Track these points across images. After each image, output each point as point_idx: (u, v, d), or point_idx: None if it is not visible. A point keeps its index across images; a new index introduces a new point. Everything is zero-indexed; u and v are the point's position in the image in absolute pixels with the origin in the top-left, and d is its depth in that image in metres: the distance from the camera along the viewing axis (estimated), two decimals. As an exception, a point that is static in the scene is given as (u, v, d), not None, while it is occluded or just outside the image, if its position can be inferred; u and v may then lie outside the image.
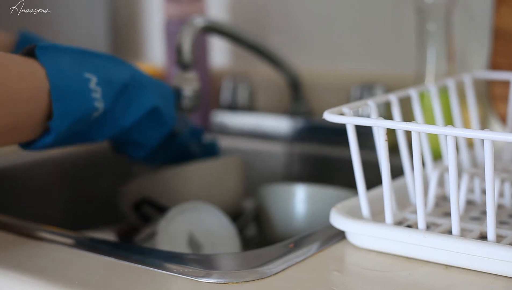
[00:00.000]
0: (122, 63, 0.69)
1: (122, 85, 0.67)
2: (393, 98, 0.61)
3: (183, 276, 0.51)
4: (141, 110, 0.69)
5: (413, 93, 0.63)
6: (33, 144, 0.62)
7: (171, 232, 0.69)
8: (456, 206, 0.51)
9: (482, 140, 0.52)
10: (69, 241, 0.60)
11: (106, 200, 0.97)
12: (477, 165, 0.72)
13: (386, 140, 0.53)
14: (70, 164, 0.97)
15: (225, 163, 0.81)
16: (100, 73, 0.65)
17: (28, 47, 0.62)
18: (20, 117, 0.58)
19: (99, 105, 0.64)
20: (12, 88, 0.57)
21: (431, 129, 0.50)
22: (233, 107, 1.10)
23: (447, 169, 0.59)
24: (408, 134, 0.56)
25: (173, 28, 1.06)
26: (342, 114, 0.55)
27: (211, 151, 0.85)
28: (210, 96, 1.12)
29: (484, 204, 0.62)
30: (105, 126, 0.67)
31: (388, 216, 0.55)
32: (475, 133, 0.48)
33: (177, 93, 0.84)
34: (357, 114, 0.56)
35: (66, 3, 1.15)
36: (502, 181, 0.61)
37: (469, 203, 0.64)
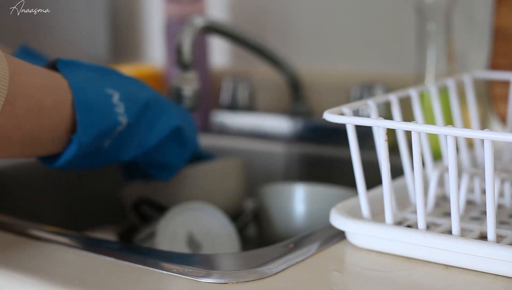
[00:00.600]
0: (142, 83, 0.70)
1: (145, 102, 0.67)
2: (393, 98, 0.61)
3: (183, 276, 0.51)
4: (165, 129, 0.69)
5: (413, 93, 0.63)
6: (57, 159, 0.61)
7: (170, 232, 0.69)
8: (456, 206, 0.51)
9: (482, 140, 0.52)
10: (69, 241, 0.60)
11: (106, 200, 0.97)
12: (477, 165, 0.72)
13: (386, 140, 0.53)
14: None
15: (226, 165, 0.81)
16: (121, 90, 0.65)
17: (49, 62, 0.62)
18: (43, 127, 0.57)
19: (123, 120, 0.64)
20: (34, 95, 0.56)
21: (431, 129, 0.50)
22: (233, 107, 1.10)
23: (447, 169, 0.59)
24: (408, 134, 0.56)
25: (173, 28, 1.07)
26: (342, 114, 0.55)
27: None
28: (210, 96, 1.12)
29: (484, 204, 0.62)
30: (130, 144, 0.67)
31: (388, 216, 0.55)
32: (475, 133, 0.48)
33: (177, 93, 0.84)
34: (357, 114, 0.56)
35: (66, 3, 1.15)
36: (502, 181, 0.61)
37: (469, 203, 0.64)
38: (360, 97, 0.96)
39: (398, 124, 0.51)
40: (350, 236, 0.56)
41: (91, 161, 0.66)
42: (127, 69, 1.15)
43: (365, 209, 0.56)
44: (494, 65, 0.84)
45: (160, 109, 0.69)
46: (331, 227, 0.58)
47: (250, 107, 1.10)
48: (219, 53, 1.17)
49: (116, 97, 0.64)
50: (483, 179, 0.62)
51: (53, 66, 0.61)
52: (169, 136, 0.70)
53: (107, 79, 0.65)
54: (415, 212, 0.58)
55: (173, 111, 0.71)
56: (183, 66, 0.84)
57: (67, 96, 0.59)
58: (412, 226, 0.57)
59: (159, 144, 0.70)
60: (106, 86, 0.64)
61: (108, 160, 0.67)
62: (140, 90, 0.68)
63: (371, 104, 0.57)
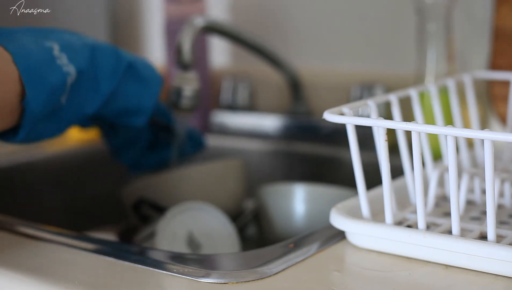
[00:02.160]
0: (81, 34, 0.69)
1: (89, 49, 0.66)
2: (393, 98, 0.61)
3: (183, 276, 0.51)
4: (118, 70, 0.68)
5: (413, 93, 0.63)
6: (17, 132, 0.60)
7: (170, 232, 0.69)
8: (456, 206, 0.51)
9: (482, 140, 0.52)
10: (69, 241, 0.60)
11: (106, 200, 0.97)
12: (477, 165, 0.72)
13: (386, 140, 0.53)
14: (70, 164, 0.97)
15: (226, 165, 0.81)
16: (60, 41, 0.64)
17: None
18: None
19: (69, 69, 0.63)
20: None
21: (431, 129, 0.50)
22: (233, 107, 1.10)
23: (447, 169, 0.59)
24: (408, 134, 0.56)
25: (173, 28, 1.06)
26: (342, 114, 0.55)
27: (197, 143, 0.85)
28: (210, 96, 1.12)
29: (484, 204, 0.62)
30: (88, 95, 0.66)
31: (388, 216, 0.55)
32: (475, 133, 0.48)
33: (177, 93, 0.84)
34: (357, 114, 0.56)
35: (66, 3, 1.15)
36: (502, 181, 0.61)
37: (469, 203, 0.64)
38: (360, 97, 0.96)
39: (398, 124, 0.51)
40: (350, 236, 0.56)
41: (55, 124, 0.65)
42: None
43: (365, 209, 0.56)
44: (494, 65, 0.84)
45: (107, 54, 0.68)
46: (331, 227, 0.58)
47: (250, 107, 1.10)
48: (219, 53, 1.17)
49: (56, 49, 0.63)
50: (483, 179, 0.62)
51: None
52: (125, 75, 0.69)
53: (44, 35, 0.64)
54: (415, 212, 0.58)
55: (119, 52, 0.70)
56: (183, 66, 0.84)
57: (12, 67, 0.59)
58: (412, 226, 0.57)
59: (118, 87, 0.69)
60: (44, 41, 0.63)
61: (73, 117, 0.66)
62: (79, 38, 0.67)
63: (371, 104, 0.57)
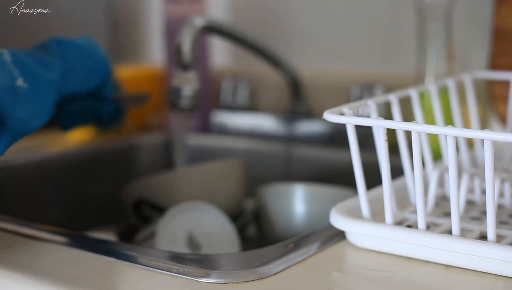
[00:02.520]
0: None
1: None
2: (393, 98, 0.61)
3: (183, 276, 0.51)
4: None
5: (413, 93, 0.63)
6: None
7: (170, 232, 0.69)
8: (456, 206, 0.51)
9: (482, 140, 0.52)
10: (69, 241, 0.60)
11: (106, 200, 0.97)
12: (477, 165, 0.72)
13: (386, 140, 0.53)
14: (70, 164, 0.97)
15: (226, 165, 0.81)
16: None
17: None
18: None
19: (16, 74, 0.63)
20: None
21: (431, 129, 0.50)
22: (233, 107, 1.10)
23: (447, 169, 0.59)
24: (408, 134, 0.56)
25: (173, 28, 1.06)
26: (342, 114, 0.55)
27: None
28: (210, 96, 1.12)
29: (484, 204, 0.62)
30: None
31: (388, 216, 0.55)
32: (475, 133, 0.48)
33: (177, 93, 0.84)
34: (357, 114, 0.56)
35: (66, 3, 1.15)
36: (502, 181, 0.61)
37: (469, 203, 0.64)
38: (360, 97, 0.96)
39: (398, 124, 0.51)
40: (350, 236, 0.56)
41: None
42: (127, 69, 1.15)
43: (365, 209, 0.56)
44: (494, 65, 0.84)
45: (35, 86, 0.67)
46: (331, 227, 0.58)
47: (250, 107, 1.10)
48: (219, 53, 1.17)
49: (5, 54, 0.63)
50: (483, 179, 0.62)
51: None
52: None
53: None
54: (415, 212, 0.58)
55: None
56: (183, 66, 0.84)
57: None
58: (412, 226, 0.57)
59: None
60: None
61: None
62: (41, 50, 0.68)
63: (371, 104, 0.57)
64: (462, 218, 0.59)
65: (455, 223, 0.51)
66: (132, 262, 0.54)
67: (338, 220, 0.56)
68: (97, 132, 0.87)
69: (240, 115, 1.09)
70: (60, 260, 0.56)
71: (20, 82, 0.63)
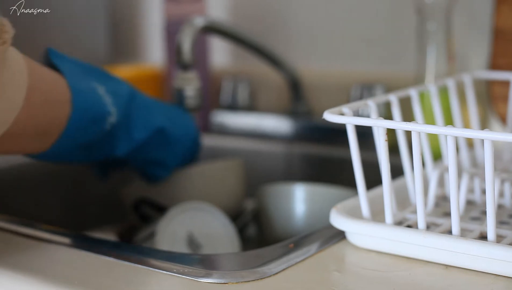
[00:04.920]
0: (120, 79, 0.72)
1: (128, 97, 0.69)
2: (393, 98, 0.61)
3: (183, 276, 0.51)
4: (149, 127, 0.71)
5: (413, 93, 0.63)
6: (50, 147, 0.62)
7: (170, 232, 0.69)
8: (456, 206, 0.51)
9: (482, 140, 0.52)
10: (69, 241, 0.60)
11: (106, 200, 0.97)
12: (477, 165, 0.72)
13: (386, 140, 0.53)
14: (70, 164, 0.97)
15: (226, 165, 0.81)
16: (105, 84, 0.67)
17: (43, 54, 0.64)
18: (53, 120, 0.60)
19: (112, 110, 0.66)
20: (47, 89, 0.59)
21: (431, 129, 0.50)
22: (233, 107, 1.10)
23: (447, 169, 0.59)
24: (408, 134, 0.56)
25: (173, 28, 1.06)
26: (342, 114, 0.55)
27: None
28: (210, 96, 1.12)
29: (484, 204, 0.62)
30: (120, 139, 0.69)
31: (388, 216, 0.55)
32: (475, 133, 0.48)
33: (179, 94, 0.84)
34: (357, 114, 0.56)
35: (66, 3, 1.15)
36: (502, 181, 0.61)
37: (469, 203, 0.64)
38: (360, 97, 0.96)
39: (398, 124, 0.51)
40: (350, 236, 0.56)
41: (84, 155, 0.67)
42: (127, 69, 1.15)
43: (365, 209, 0.56)
44: (494, 65, 0.84)
45: (144, 107, 0.71)
46: (331, 227, 0.58)
47: (250, 107, 1.10)
48: (219, 53, 1.17)
49: (102, 90, 0.65)
50: (483, 179, 0.62)
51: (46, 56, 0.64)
52: (154, 135, 0.72)
53: (91, 72, 0.67)
54: (415, 212, 0.58)
55: (156, 110, 0.73)
56: (183, 66, 0.84)
57: (65, 88, 0.61)
58: (412, 226, 0.57)
59: (147, 141, 0.71)
60: (93, 80, 0.66)
61: (101, 153, 0.69)
62: (121, 85, 0.70)
63: (371, 104, 0.57)
64: (462, 218, 0.59)
65: (455, 223, 0.51)
66: (132, 262, 0.54)
67: (338, 220, 0.56)
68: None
69: (240, 115, 1.09)
70: (60, 260, 0.56)
71: None
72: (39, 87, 0.57)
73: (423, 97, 0.80)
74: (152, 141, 0.72)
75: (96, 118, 0.64)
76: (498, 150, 0.75)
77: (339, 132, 0.98)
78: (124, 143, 0.69)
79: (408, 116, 0.67)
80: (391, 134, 0.57)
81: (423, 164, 0.63)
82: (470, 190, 0.64)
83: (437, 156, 0.74)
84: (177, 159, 0.76)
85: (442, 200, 0.64)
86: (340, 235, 0.58)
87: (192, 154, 0.80)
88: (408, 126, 0.51)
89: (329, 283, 0.50)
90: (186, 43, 0.84)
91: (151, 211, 0.78)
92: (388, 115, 0.82)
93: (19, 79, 0.54)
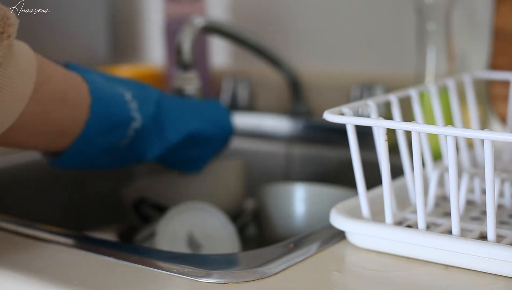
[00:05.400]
0: (150, 86, 0.72)
1: (157, 102, 0.69)
2: (393, 98, 0.61)
3: (183, 276, 0.51)
4: (182, 131, 0.71)
5: (413, 93, 0.63)
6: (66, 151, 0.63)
7: (170, 232, 0.69)
8: (456, 206, 0.51)
9: (482, 140, 0.52)
10: (69, 241, 0.60)
11: (106, 200, 0.97)
12: (477, 165, 0.72)
13: (386, 140, 0.53)
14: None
15: (227, 165, 0.81)
16: (132, 89, 0.67)
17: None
18: (67, 119, 0.60)
19: (136, 115, 0.66)
20: (58, 86, 0.59)
21: (431, 129, 0.50)
22: (233, 107, 1.10)
23: (447, 169, 0.59)
24: (408, 134, 0.56)
25: (173, 28, 1.06)
26: (342, 114, 0.55)
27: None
28: (210, 96, 1.12)
29: (484, 204, 0.62)
30: (152, 144, 0.69)
31: (388, 216, 0.55)
32: (475, 133, 0.48)
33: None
34: (357, 114, 0.56)
35: (66, 3, 1.15)
36: (502, 181, 0.61)
37: (469, 203, 0.64)
38: (360, 97, 0.96)
39: (398, 124, 0.51)
40: (350, 236, 0.56)
41: (109, 159, 0.67)
42: (127, 69, 1.15)
43: (365, 209, 0.56)
44: (494, 65, 0.84)
45: (175, 109, 0.72)
46: (331, 227, 0.58)
47: (250, 107, 1.10)
48: (219, 53, 1.17)
49: (128, 95, 0.66)
50: (483, 179, 0.62)
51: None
52: (187, 137, 0.72)
53: (116, 80, 0.67)
54: (415, 212, 0.58)
55: (188, 112, 0.73)
56: (183, 66, 0.84)
57: (85, 92, 0.62)
58: (412, 226, 0.57)
59: (179, 143, 0.71)
60: (117, 86, 0.66)
61: (130, 159, 0.70)
62: (148, 90, 0.70)
63: (371, 104, 0.57)
64: (462, 218, 0.59)
65: (455, 223, 0.51)
66: (132, 262, 0.54)
67: (338, 220, 0.56)
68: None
69: (240, 115, 1.09)
70: (60, 260, 0.56)
71: None
72: (50, 83, 0.58)
73: (423, 97, 0.80)
74: (185, 143, 0.72)
75: (117, 123, 0.64)
76: (498, 150, 0.75)
77: (339, 132, 0.98)
78: (156, 147, 0.70)
79: (408, 116, 0.67)
80: (391, 134, 0.57)
81: (423, 164, 0.63)
82: (470, 190, 0.64)
83: (437, 156, 0.74)
84: (209, 156, 0.77)
85: (442, 200, 0.64)
86: (340, 235, 0.58)
87: (224, 147, 0.80)
88: (408, 126, 0.50)
89: (329, 283, 0.50)
90: (186, 43, 0.84)
91: (151, 211, 0.78)
92: (388, 115, 0.82)
93: (27, 72, 0.55)
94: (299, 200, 0.78)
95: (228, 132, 0.78)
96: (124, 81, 0.69)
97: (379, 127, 0.53)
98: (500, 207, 0.62)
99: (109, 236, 0.82)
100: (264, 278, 0.50)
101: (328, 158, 0.97)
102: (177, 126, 0.71)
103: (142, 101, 0.67)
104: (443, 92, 0.76)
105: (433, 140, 0.74)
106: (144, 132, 0.68)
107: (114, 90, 0.65)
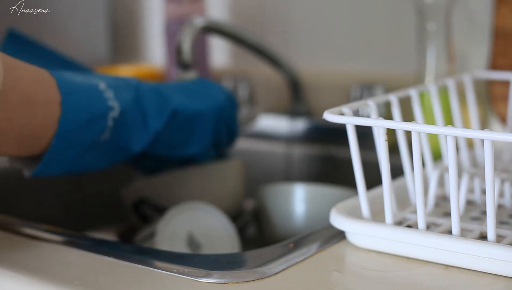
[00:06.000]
0: (127, 77, 0.69)
1: (135, 88, 0.67)
2: (393, 98, 0.61)
3: (183, 276, 0.51)
4: (165, 112, 0.68)
5: (413, 93, 0.63)
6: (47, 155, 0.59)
7: (170, 232, 0.69)
8: (456, 206, 0.51)
9: (482, 140, 0.52)
10: (69, 241, 0.60)
11: (106, 200, 0.97)
12: (477, 165, 0.72)
13: (386, 140, 0.53)
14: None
15: (226, 165, 0.81)
16: (107, 80, 0.65)
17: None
18: (37, 122, 0.57)
19: (114, 104, 0.63)
20: (27, 90, 0.56)
21: (431, 129, 0.50)
22: (233, 107, 1.10)
23: (447, 169, 0.59)
24: (408, 134, 0.56)
25: (173, 28, 1.06)
26: (342, 114, 0.55)
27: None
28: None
29: (484, 204, 0.62)
30: (136, 133, 0.66)
31: (388, 216, 0.55)
32: (475, 133, 0.48)
33: None
34: (357, 114, 0.56)
35: (66, 3, 1.15)
36: (502, 181, 0.61)
37: (469, 203, 0.64)
38: (360, 97, 0.96)
39: (398, 124, 0.51)
40: (350, 236, 0.56)
41: (96, 158, 0.64)
42: (127, 69, 1.15)
43: (365, 209, 0.56)
44: (494, 65, 0.84)
45: (154, 94, 0.68)
46: (331, 227, 0.58)
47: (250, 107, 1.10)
48: (219, 53, 1.17)
49: (102, 85, 0.63)
50: (483, 179, 0.62)
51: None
52: (172, 118, 0.69)
53: (90, 73, 0.65)
54: (415, 212, 0.58)
55: (169, 93, 0.70)
56: (183, 66, 0.84)
57: (56, 92, 0.59)
58: (412, 226, 0.57)
59: (166, 127, 0.69)
60: (91, 77, 0.63)
61: (118, 154, 0.66)
62: (127, 79, 0.68)
63: (371, 104, 0.57)
64: (462, 218, 0.59)
65: (455, 223, 0.51)
66: (132, 262, 0.54)
67: (338, 220, 0.56)
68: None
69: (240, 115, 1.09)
70: (60, 260, 0.56)
71: None
72: (18, 87, 0.55)
73: (423, 97, 0.80)
74: (172, 125, 0.69)
75: (94, 115, 0.61)
76: (498, 150, 0.75)
77: (339, 132, 0.98)
78: (141, 137, 0.67)
79: (408, 116, 0.67)
80: (391, 134, 0.57)
81: (423, 164, 0.63)
82: (470, 190, 0.64)
83: (437, 156, 0.74)
84: (205, 134, 0.73)
85: (442, 200, 0.64)
86: (340, 235, 0.58)
87: (228, 126, 0.77)
88: (408, 126, 0.50)
89: (329, 283, 0.50)
90: (186, 43, 0.84)
91: (151, 211, 0.78)
92: (388, 115, 0.82)
93: None
94: (299, 200, 0.78)
95: (220, 104, 0.74)
96: (99, 73, 0.66)
97: (379, 127, 0.53)
98: (500, 207, 0.62)
99: (109, 236, 0.82)
100: (264, 278, 0.50)
101: (328, 158, 0.97)
102: (158, 110, 0.68)
103: (118, 89, 0.64)
104: (443, 92, 0.76)
105: (433, 140, 0.74)
106: (125, 123, 0.65)
107: (86, 81, 0.62)
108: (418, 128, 0.50)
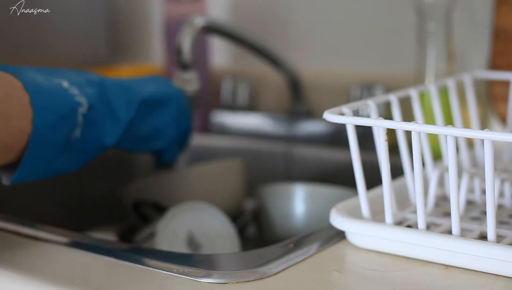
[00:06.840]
0: (89, 72, 0.70)
1: (96, 83, 0.67)
2: (393, 98, 0.61)
3: (183, 276, 0.51)
4: (134, 102, 0.69)
5: (413, 93, 0.63)
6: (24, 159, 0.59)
7: (170, 232, 0.69)
8: (456, 206, 0.51)
9: (482, 140, 0.52)
10: (69, 241, 0.60)
11: (106, 200, 0.97)
12: (477, 165, 0.72)
13: (386, 140, 0.53)
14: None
15: (226, 165, 0.81)
16: (68, 77, 0.65)
17: None
18: (12, 134, 0.57)
19: (81, 99, 0.63)
20: (1, 105, 0.56)
21: (431, 129, 0.50)
22: (233, 107, 1.10)
23: (447, 169, 0.59)
24: (408, 134, 0.56)
25: (173, 28, 1.07)
26: (342, 114, 0.55)
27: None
28: (210, 96, 1.12)
29: (484, 204, 0.62)
30: (105, 127, 0.67)
31: (388, 216, 0.55)
32: (475, 133, 0.48)
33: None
34: (357, 114, 0.56)
35: (66, 3, 1.15)
36: (502, 181, 0.61)
37: (469, 203, 0.64)
38: (360, 97, 0.96)
39: (398, 124, 0.51)
40: (350, 236, 0.56)
41: (72, 157, 0.65)
42: (127, 69, 1.15)
43: (365, 209, 0.56)
44: (494, 65, 0.84)
45: (120, 87, 0.70)
46: (331, 227, 0.58)
47: (250, 107, 1.10)
48: (219, 53, 1.17)
49: (65, 83, 0.63)
50: (483, 179, 0.62)
51: None
52: (140, 108, 0.70)
53: (49, 72, 0.64)
54: (415, 212, 0.58)
55: (133, 86, 0.71)
56: (183, 66, 0.84)
57: (22, 92, 0.58)
58: (412, 226, 0.57)
59: (135, 119, 0.70)
60: (52, 78, 0.63)
61: (92, 149, 0.66)
62: (86, 74, 0.68)
63: (371, 104, 0.57)
64: (462, 218, 0.59)
65: (455, 223, 0.51)
66: (132, 262, 0.54)
67: (338, 220, 0.56)
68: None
69: (240, 115, 1.09)
70: (60, 260, 0.56)
71: None
72: None
73: (423, 97, 0.80)
74: (138, 117, 0.71)
75: (64, 113, 0.61)
76: (498, 150, 0.75)
77: (339, 132, 0.98)
78: (112, 130, 0.67)
79: (408, 116, 0.67)
80: (391, 134, 0.57)
81: (423, 164, 0.63)
82: (470, 190, 0.64)
83: (437, 156, 0.74)
84: (170, 127, 0.75)
85: (442, 200, 0.64)
86: (340, 235, 0.58)
87: (184, 111, 0.78)
88: (408, 126, 0.51)
89: (329, 283, 0.50)
90: (186, 43, 0.84)
91: (151, 211, 0.78)
92: (388, 115, 0.82)
93: None
94: (299, 200, 0.78)
95: (177, 95, 0.76)
96: (59, 70, 0.66)
97: (379, 127, 0.53)
98: (500, 207, 0.62)
99: (109, 236, 0.81)
100: (264, 278, 0.50)
101: (328, 158, 0.97)
102: (127, 102, 0.69)
103: (82, 85, 0.65)
104: (443, 92, 0.76)
105: (433, 140, 0.74)
106: (94, 117, 0.65)
107: (50, 82, 0.62)
108: (418, 128, 0.50)
